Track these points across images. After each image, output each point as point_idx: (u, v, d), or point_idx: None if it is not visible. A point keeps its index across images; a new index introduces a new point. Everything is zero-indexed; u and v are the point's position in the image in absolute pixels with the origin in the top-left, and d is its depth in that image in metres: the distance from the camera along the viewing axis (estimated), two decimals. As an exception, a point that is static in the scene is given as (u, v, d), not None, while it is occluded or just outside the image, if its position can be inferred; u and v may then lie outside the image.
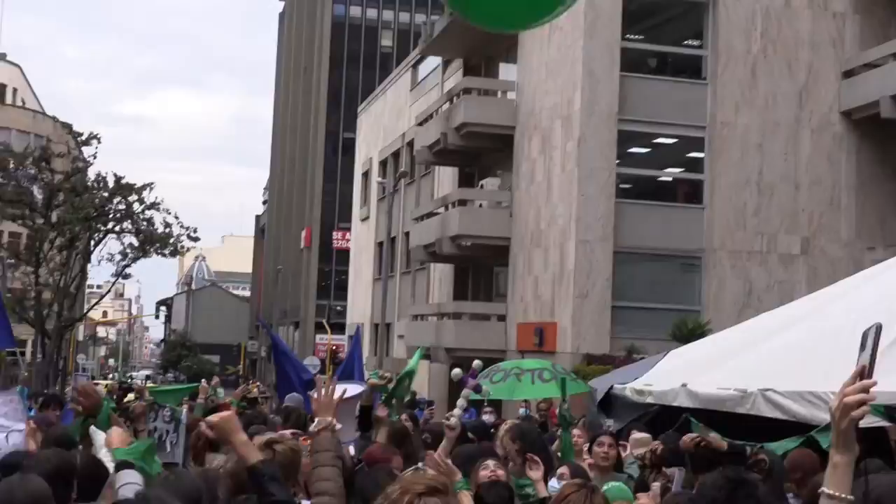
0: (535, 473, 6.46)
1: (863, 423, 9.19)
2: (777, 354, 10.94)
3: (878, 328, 2.78)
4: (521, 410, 19.49)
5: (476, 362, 8.13)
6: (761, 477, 6.47)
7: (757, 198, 25.67)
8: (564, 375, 11.86)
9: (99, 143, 52.94)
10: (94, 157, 53.84)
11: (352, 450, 5.35)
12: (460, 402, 7.74)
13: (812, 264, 25.67)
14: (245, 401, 14.57)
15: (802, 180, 25.91)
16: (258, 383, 22.56)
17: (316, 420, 4.49)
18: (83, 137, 52.94)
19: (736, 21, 25.90)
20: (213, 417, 4.22)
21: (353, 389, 5.59)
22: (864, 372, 2.77)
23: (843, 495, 2.73)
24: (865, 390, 2.72)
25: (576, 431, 9.55)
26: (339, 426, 4.54)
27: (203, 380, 17.82)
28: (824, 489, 2.75)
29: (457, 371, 7.82)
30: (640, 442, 9.39)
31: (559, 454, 8.94)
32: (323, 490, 4.16)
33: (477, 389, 8.47)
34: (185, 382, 51.13)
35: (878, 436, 9.22)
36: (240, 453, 4.11)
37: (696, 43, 27.28)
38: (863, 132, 26.01)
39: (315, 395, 4.59)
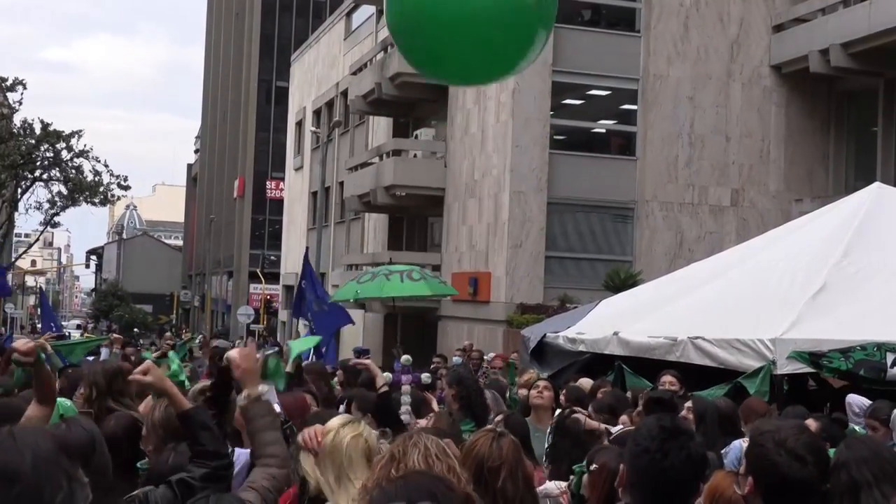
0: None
1: (790, 370, 9.49)
2: (706, 303, 11.22)
3: None
4: (455, 359, 19.75)
5: (405, 357, 8.42)
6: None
7: (688, 150, 25.98)
8: (434, 279, 12.18)
9: (25, 89, 51.92)
10: (20, 104, 52.75)
11: (277, 408, 5.42)
12: (404, 398, 7.98)
13: (742, 216, 26.11)
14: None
15: (733, 133, 26.26)
16: (189, 332, 22.53)
17: (244, 392, 4.31)
18: (8, 83, 51.80)
19: (669, -27, 26.05)
20: (143, 367, 4.25)
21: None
22: None
23: None
24: None
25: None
26: (266, 388, 4.49)
27: (112, 332, 17.98)
28: None
29: (387, 375, 7.93)
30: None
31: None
32: (270, 454, 4.23)
33: (416, 381, 8.79)
34: (116, 332, 50.64)
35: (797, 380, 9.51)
36: (173, 400, 4.16)
37: (630, -5, 27.38)
38: (792, 86, 26.40)
39: (236, 361, 4.32)
